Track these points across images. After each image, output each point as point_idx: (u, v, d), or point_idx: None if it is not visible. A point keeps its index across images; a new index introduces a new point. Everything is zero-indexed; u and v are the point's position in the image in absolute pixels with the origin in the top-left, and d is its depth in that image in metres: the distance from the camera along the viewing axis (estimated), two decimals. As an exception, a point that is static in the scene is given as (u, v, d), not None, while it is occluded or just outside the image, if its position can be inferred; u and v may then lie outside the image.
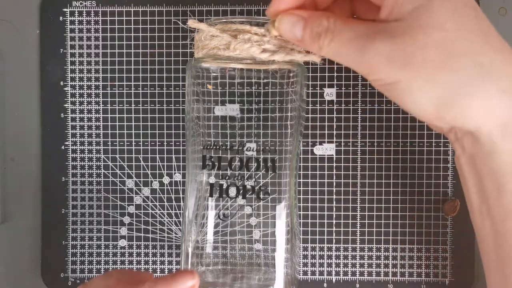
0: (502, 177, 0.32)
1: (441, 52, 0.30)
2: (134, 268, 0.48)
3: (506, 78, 0.31)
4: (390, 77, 0.32)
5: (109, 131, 0.48)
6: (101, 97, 0.48)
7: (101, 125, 0.48)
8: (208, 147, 0.39)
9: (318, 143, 0.47)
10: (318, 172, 0.47)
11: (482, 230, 0.35)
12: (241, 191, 0.39)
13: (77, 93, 0.48)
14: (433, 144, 0.47)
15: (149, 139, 0.48)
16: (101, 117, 0.48)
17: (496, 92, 0.31)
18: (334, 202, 0.48)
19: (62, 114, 0.48)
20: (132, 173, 0.48)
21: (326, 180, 0.47)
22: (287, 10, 0.35)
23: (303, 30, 0.34)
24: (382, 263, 0.48)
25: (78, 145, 0.48)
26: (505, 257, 0.34)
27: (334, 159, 0.47)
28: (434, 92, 0.31)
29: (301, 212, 0.47)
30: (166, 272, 0.48)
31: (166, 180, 0.48)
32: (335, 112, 0.47)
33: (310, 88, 0.47)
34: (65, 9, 0.48)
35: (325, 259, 0.48)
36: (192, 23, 0.37)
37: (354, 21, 0.33)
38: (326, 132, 0.47)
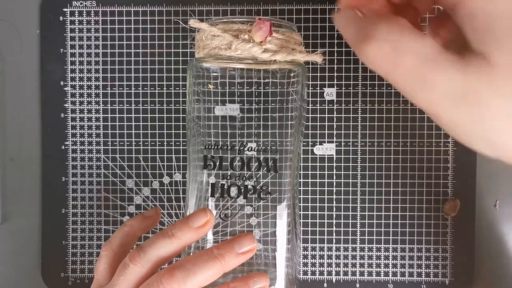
0: None
1: None
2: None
3: None
4: (447, 117, 0.27)
5: (109, 131, 0.48)
6: (101, 97, 0.48)
7: (101, 125, 0.48)
8: (209, 147, 0.39)
9: (318, 143, 0.47)
10: (318, 172, 0.48)
11: None
12: (242, 191, 0.39)
13: (77, 93, 0.48)
14: (433, 144, 0.47)
15: (149, 139, 0.48)
16: (101, 117, 0.48)
17: None
18: (334, 202, 0.48)
19: (62, 114, 0.48)
20: (132, 173, 0.48)
21: (326, 180, 0.48)
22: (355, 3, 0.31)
23: (354, 25, 0.29)
24: (382, 263, 0.48)
25: (78, 145, 0.48)
26: None
27: (334, 159, 0.47)
28: (497, 144, 0.27)
29: (301, 212, 0.47)
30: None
31: (166, 180, 0.48)
32: (335, 112, 0.47)
33: (310, 88, 0.47)
34: (65, 9, 0.48)
35: (325, 259, 0.48)
36: (193, 23, 0.37)
37: (425, 38, 0.27)
38: (326, 132, 0.47)
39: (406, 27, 0.28)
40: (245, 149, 0.39)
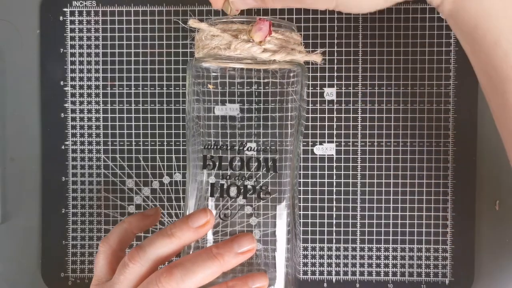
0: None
1: None
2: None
3: None
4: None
5: (109, 131, 0.48)
6: (101, 97, 0.48)
7: (101, 125, 0.48)
8: (209, 147, 0.39)
9: (318, 143, 0.47)
10: (318, 172, 0.47)
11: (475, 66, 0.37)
12: (242, 191, 0.39)
13: (77, 93, 0.48)
14: (433, 144, 0.47)
15: (149, 139, 0.48)
16: (101, 117, 0.48)
17: None
18: (334, 202, 0.48)
19: (62, 114, 0.48)
20: (132, 173, 0.48)
21: (326, 180, 0.48)
22: None
23: None
24: (382, 263, 0.48)
25: (78, 145, 0.48)
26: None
27: (334, 159, 0.47)
28: None
29: (301, 212, 0.47)
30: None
31: (166, 180, 0.48)
32: (335, 112, 0.47)
33: (310, 88, 0.47)
34: (65, 9, 0.48)
35: (325, 259, 0.48)
36: (193, 22, 0.37)
37: None
38: (326, 132, 0.47)
39: None
40: (245, 149, 0.39)
